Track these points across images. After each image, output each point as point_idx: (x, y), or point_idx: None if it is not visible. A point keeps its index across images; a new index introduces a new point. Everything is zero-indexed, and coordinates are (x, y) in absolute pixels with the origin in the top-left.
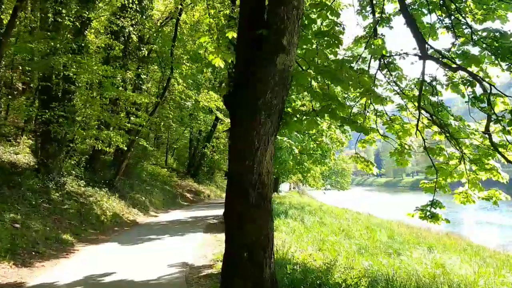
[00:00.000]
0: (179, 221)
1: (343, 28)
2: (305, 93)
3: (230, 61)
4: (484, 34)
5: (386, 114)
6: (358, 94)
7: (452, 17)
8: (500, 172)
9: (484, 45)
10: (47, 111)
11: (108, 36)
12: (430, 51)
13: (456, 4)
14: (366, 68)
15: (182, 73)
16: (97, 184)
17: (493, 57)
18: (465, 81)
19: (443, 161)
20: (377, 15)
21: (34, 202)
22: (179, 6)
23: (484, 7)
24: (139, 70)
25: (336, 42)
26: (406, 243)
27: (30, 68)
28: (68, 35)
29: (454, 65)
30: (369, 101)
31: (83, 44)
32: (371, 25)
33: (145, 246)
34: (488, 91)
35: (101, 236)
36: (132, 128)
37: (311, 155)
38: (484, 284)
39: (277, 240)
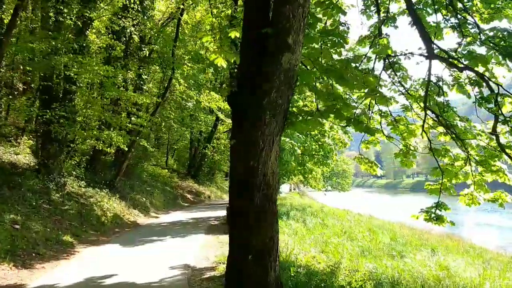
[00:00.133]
0: (180, 222)
1: (348, 28)
2: (308, 93)
3: (232, 60)
4: (492, 33)
5: (391, 114)
6: (362, 94)
7: (459, 17)
8: (506, 173)
9: (491, 45)
10: (48, 111)
11: (109, 36)
12: (436, 51)
13: (463, 3)
14: (371, 68)
15: (183, 74)
16: (97, 184)
17: (500, 57)
18: (472, 81)
19: (448, 162)
20: (381, 14)
21: (34, 203)
22: (181, 6)
23: (492, 6)
24: (140, 70)
25: (341, 41)
26: (409, 245)
27: (31, 68)
28: (70, 35)
29: (460, 65)
30: (373, 102)
31: (84, 44)
32: (376, 24)
33: (146, 248)
34: (496, 92)
35: (101, 237)
36: (133, 129)
37: (313, 156)
38: (490, 287)
39: (280, 242)
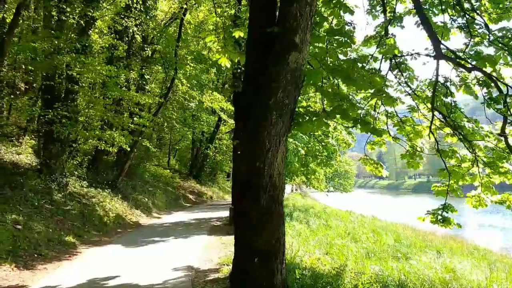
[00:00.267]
0: (183, 223)
1: (354, 27)
2: (311, 93)
3: (236, 60)
4: (500, 34)
5: (397, 115)
6: (367, 94)
7: (467, 17)
8: None
9: (500, 45)
10: (50, 111)
11: (112, 36)
12: (443, 51)
13: (472, 3)
14: (377, 68)
15: (186, 74)
16: (99, 185)
17: (509, 57)
18: (480, 82)
19: (455, 164)
20: (387, 14)
21: (36, 203)
22: (184, 6)
23: (500, 6)
24: (143, 70)
25: (348, 41)
26: (413, 246)
27: (33, 68)
28: (72, 35)
29: (468, 65)
30: (379, 102)
31: (87, 44)
32: (383, 24)
33: (149, 249)
34: (504, 92)
35: (104, 237)
36: (136, 129)
37: (316, 156)
38: None
39: None
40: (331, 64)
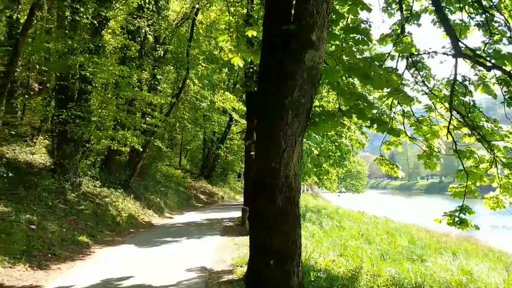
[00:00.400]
0: (195, 223)
1: (370, 25)
2: (324, 93)
3: (249, 60)
4: None
5: (413, 115)
6: (383, 94)
7: (486, 14)
8: None
9: None
10: (64, 111)
11: (124, 36)
12: (461, 49)
13: (491, 0)
14: (394, 67)
15: (197, 74)
16: (112, 184)
17: None
18: (499, 81)
19: (472, 165)
20: (403, 12)
21: (50, 203)
22: (196, 6)
23: None
24: (155, 70)
25: (365, 39)
26: (428, 248)
27: (46, 68)
28: (85, 35)
29: (488, 64)
30: (395, 102)
31: (100, 44)
32: (400, 22)
33: (162, 249)
34: None
35: (117, 237)
36: (148, 129)
37: (329, 156)
38: None
39: None
40: (347, 63)
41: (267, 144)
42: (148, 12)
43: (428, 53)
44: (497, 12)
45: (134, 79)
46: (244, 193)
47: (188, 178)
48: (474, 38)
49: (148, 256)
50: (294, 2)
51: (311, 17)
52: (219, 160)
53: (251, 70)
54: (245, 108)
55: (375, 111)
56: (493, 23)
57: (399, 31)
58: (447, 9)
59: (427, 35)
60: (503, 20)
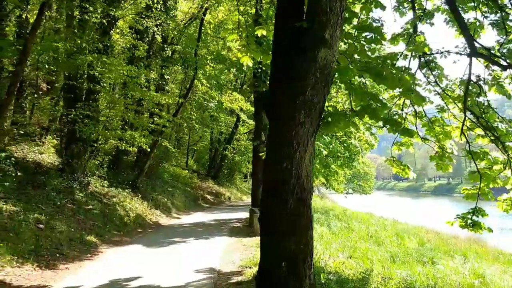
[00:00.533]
0: (202, 224)
1: (382, 24)
2: (333, 93)
3: (259, 59)
4: None
5: (426, 115)
6: (395, 93)
7: (502, 13)
8: None
9: None
10: (73, 110)
11: (133, 36)
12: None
13: None
14: (406, 67)
15: (205, 74)
16: (120, 184)
17: None
18: None
19: (486, 166)
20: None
21: (58, 202)
22: (205, 5)
23: None
24: (163, 70)
25: (378, 37)
26: (437, 250)
27: (55, 68)
28: (94, 35)
29: (504, 63)
30: (407, 102)
31: (108, 44)
32: (413, 21)
33: (170, 249)
34: None
35: (124, 237)
36: (156, 129)
37: (338, 157)
38: None
39: None
40: (359, 62)
41: (279, 144)
42: (156, 12)
43: (441, 52)
44: None
45: (142, 79)
46: (252, 194)
47: (195, 179)
48: (487, 38)
49: (156, 257)
50: None
51: (324, 14)
52: (226, 161)
53: (259, 70)
54: (253, 109)
55: (387, 111)
56: (508, 22)
57: (411, 30)
58: (460, 8)
59: (436, 35)
60: None
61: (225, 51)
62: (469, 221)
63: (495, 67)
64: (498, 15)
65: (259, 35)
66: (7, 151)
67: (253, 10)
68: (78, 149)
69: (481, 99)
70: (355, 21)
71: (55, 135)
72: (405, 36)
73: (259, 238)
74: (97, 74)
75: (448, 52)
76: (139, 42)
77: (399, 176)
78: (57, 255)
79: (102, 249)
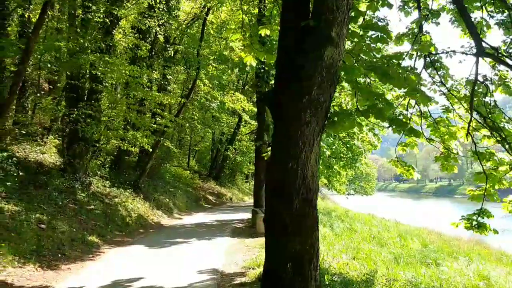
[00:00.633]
0: (204, 224)
1: (387, 23)
2: (336, 93)
3: (262, 58)
4: None
5: (431, 115)
6: (401, 93)
7: (510, 12)
8: None
9: None
10: (75, 110)
11: (135, 36)
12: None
13: None
14: (411, 66)
15: (207, 74)
16: (122, 185)
17: None
18: None
19: (492, 167)
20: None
21: (60, 203)
22: (208, 5)
23: None
24: (165, 70)
25: (384, 36)
26: (441, 251)
27: (57, 68)
28: (97, 34)
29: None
30: (412, 102)
31: (111, 44)
32: (419, 20)
33: (172, 250)
34: None
35: (126, 238)
36: (158, 129)
37: (340, 158)
38: None
39: None
40: (365, 61)
41: (284, 144)
42: (159, 11)
43: (447, 52)
44: None
45: (145, 79)
46: (254, 194)
47: (197, 179)
48: (491, 37)
49: (158, 257)
50: None
51: (331, 13)
52: (227, 161)
53: (262, 70)
54: (255, 109)
55: (392, 111)
56: None
57: (416, 30)
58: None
59: (440, 35)
60: None
61: (227, 51)
62: (474, 223)
63: (502, 67)
64: (505, 14)
65: (262, 34)
66: (9, 150)
67: (256, 10)
68: (80, 149)
69: (487, 99)
70: (360, 20)
71: (57, 135)
72: (410, 36)
73: (261, 239)
74: (99, 73)
75: (454, 52)
76: (142, 42)
77: (400, 177)
78: (59, 255)
79: (104, 250)
